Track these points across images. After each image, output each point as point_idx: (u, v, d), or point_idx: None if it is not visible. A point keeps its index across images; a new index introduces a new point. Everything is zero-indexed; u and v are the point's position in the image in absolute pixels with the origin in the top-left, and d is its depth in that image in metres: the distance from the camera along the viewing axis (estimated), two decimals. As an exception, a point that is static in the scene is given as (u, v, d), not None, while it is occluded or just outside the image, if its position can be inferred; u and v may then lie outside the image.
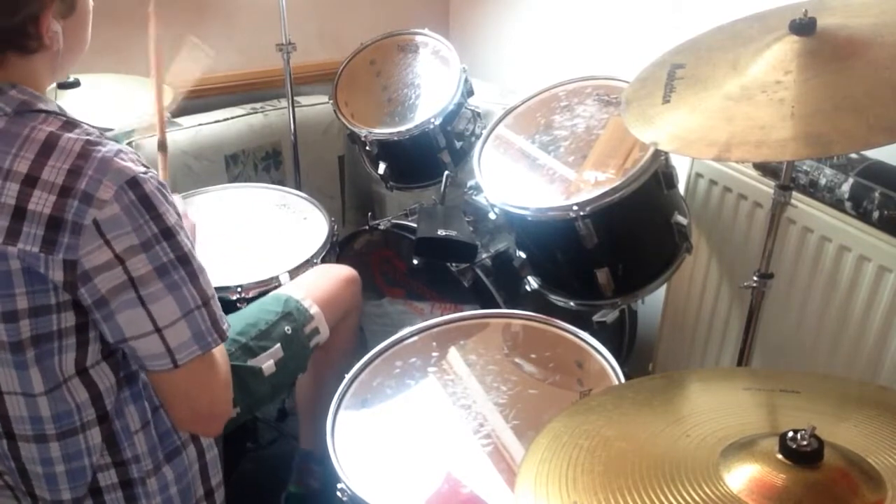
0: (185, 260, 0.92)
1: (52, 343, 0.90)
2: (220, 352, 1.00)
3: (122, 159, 0.87)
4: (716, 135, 1.01)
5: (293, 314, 1.33)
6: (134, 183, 0.87)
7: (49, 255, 0.85)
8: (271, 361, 1.26)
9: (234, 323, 1.28)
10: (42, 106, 0.90)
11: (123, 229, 0.86)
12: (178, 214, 0.93)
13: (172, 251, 0.90)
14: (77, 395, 0.94)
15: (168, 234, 0.90)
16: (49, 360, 0.91)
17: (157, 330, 0.91)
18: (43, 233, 0.84)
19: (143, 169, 0.89)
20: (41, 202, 0.84)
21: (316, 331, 1.37)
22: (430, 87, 1.83)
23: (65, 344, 0.91)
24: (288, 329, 1.31)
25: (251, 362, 1.24)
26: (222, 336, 0.98)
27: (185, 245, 0.92)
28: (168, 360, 0.93)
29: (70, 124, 0.90)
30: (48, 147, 0.86)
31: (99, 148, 0.87)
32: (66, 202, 0.84)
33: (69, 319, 0.90)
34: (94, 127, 0.91)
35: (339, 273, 1.52)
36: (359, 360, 1.27)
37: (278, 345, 1.28)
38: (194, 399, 0.99)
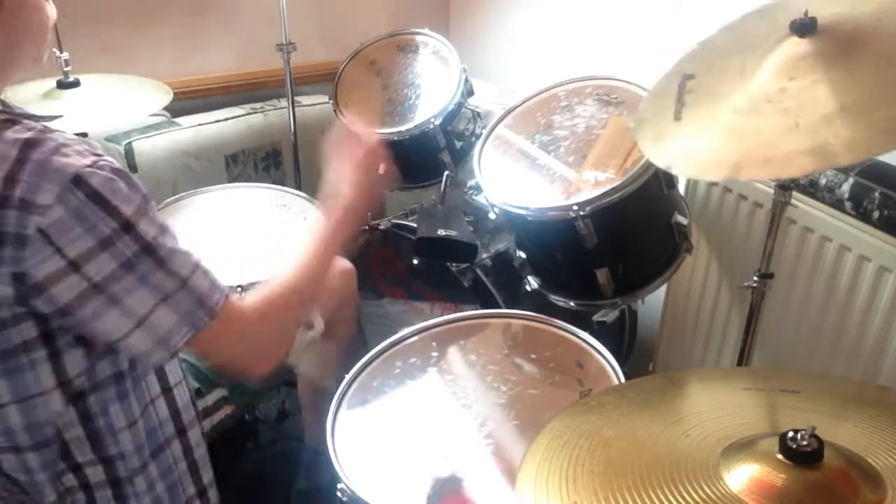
0: (149, 249, 0.85)
1: (19, 357, 0.86)
2: (230, 308, 0.92)
3: (64, 154, 0.80)
4: (726, 154, 0.99)
5: None
6: (78, 181, 0.80)
7: None
8: None
9: None
10: None
11: (74, 232, 0.80)
12: (144, 195, 0.86)
13: (135, 242, 0.84)
14: (54, 404, 0.91)
15: (127, 226, 0.83)
16: (19, 376, 0.87)
17: (138, 324, 0.86)
18: None
19: (89, 161, 0.81)
20: None
21: (310, 324, 1.36)
22: (430, 87, 1.83)
23: (35, 357, 0.87)
24: None
25: None
26: (211, 313, 0.90)
27: (146, 234, 0.85)
28: (165, 351, 0.88)
29: (8, 122, 0.82)
30: None
31: (36, 148, 0.80)
32: (2, 214, 0.78)
33: (30, 331, 0.86)
34: (65, 133, 0.85)
35: (333, 265, 1.51)
36: (359, 360, 1.27)
37: None
38: (234, 356, 0.97)
